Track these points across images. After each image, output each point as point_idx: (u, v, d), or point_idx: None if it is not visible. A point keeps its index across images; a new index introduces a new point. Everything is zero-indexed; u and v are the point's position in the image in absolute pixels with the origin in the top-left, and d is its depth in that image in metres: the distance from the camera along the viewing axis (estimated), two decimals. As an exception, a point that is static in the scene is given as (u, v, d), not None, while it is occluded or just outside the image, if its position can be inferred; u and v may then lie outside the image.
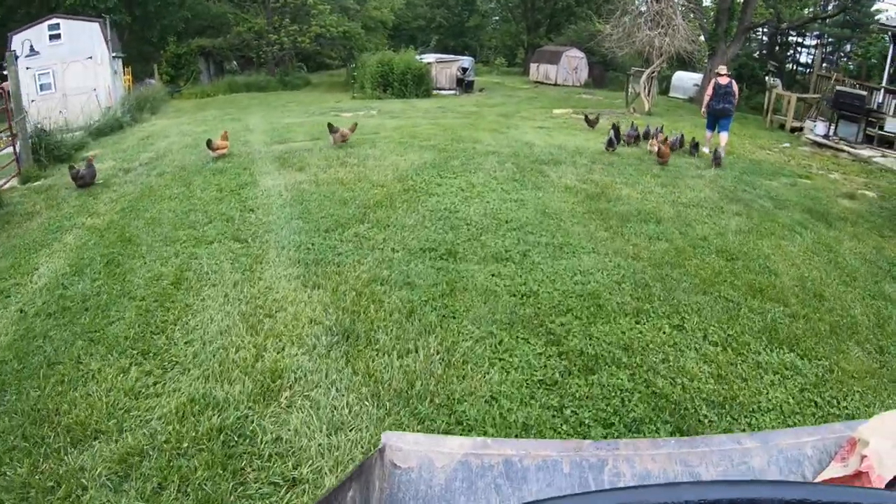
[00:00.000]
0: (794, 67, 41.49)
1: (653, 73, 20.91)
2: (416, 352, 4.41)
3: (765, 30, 34.80)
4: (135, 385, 4.15)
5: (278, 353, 4.45)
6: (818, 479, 1.15)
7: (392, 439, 1.09)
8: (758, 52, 37.21)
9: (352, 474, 1.09)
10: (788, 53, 41.95)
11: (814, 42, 43.19)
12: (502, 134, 13.34)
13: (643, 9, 21.44)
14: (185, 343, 4.68)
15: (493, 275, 5.75)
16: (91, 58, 19.82)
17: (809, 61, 43.94)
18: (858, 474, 1.09)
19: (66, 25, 19.90)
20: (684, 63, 25.22)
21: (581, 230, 7.18)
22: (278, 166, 9.87)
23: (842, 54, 40.08)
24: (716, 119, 12.13)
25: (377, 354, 4.37)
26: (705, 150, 12.31)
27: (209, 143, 10.94)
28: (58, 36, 19.85)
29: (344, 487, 1.07)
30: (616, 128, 12.42)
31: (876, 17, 32.61)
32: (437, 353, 4.41)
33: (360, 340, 4.56)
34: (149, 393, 4.09)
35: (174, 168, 10.49)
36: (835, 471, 1.14)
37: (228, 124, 16.23)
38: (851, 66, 26.43)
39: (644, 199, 8.83)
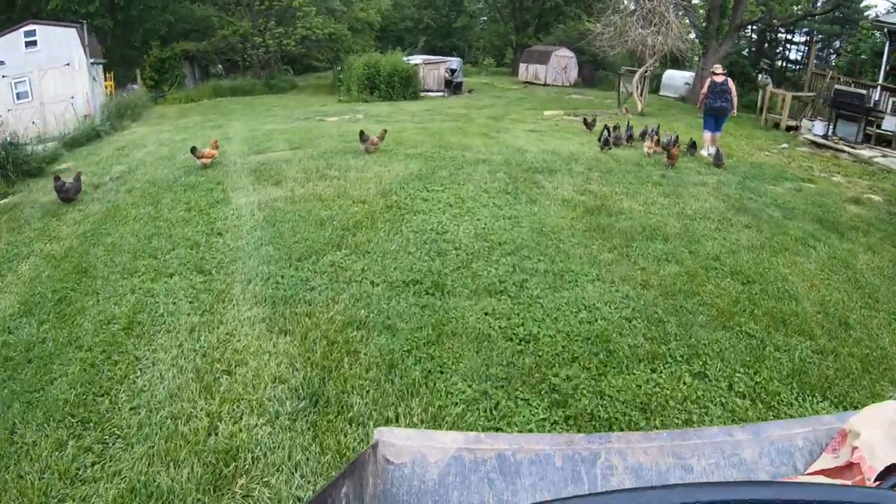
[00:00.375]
0: (784, 65, 40.84)
1: (645, 72, 20.22)
2: (397, 420, 3.65)
3: (754, 27, 34.11)
4: (71, 465, 3.40)
5: (235, 423, 3.68)
6: (809, 471, 1.12)
7: (385, 435, 1.04)
8: (747, 50, 36.53)
9: (345, 471, 1.06)
10: (777, 51, 41.35)
11: (803, 39, 42.75)
12: (492, 139, 12.59)
13: (633, 7, 20.74)
14: (131, 409, 3.90)
15: (486, 313, 4.98)
16: (69, 64, 18.90)
17: (799, 58, 43.50)
18: (850, 465, 1.06)
19: (43, 31, 18.96)
20: (675, 62, 24.55)
21: (583, 252, 6.43)
22: (254, 180, 9.08)
23: (831, 51, 39.53)
24: (716, 118, 11.90)
25: (350, 426, 3.60)
26: (703, 152, 11.92)
27: (193, 151, 10.27)
28: (34, 42, 18.90)
29: (337, 484, 1.04)
30: (609, 128, 12.24)
31: (865, 13, 32.08)
32: (422, 421, 3.65)
33: (331, 407, 3.78)
34: (86, 476, 3.33)
35: (144, 183, 9.68)
36: (826, 462, 1.12)
37: (209, 132, 15.42)
38: (843, 63, 25.72)
39: (647, 211, 8.11)
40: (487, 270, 5.79)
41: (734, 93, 11.79)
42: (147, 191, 9.20)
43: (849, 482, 1.05)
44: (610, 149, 11.73)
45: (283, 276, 5.62)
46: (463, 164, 9.86)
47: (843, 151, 14.41)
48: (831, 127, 16.04)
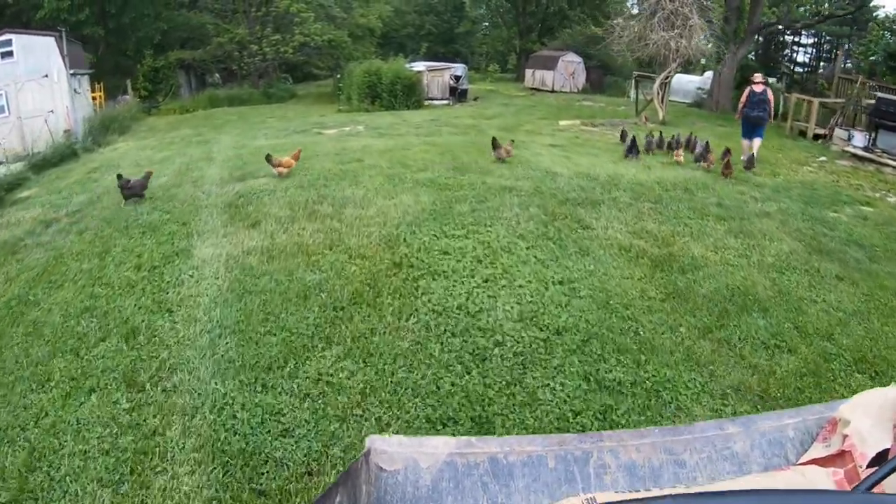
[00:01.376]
0: (792, 68, 38.61)
1: (666, 78, 18.17)
2: None
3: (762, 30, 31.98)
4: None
5: None
6: (801, 461, 1.08)
7: (377, 443, 0.99)
8: (753, 53, 34.42)
9: (338, 481, 1.05)
10: (785, 53, 39.19)
11: (810, 41, 40.59)
12: (512, 157, 10.53)
13: (648, 8, 18.65)
14: None
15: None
16: (47, 76, 16.84)
17: (806, 61, 41.28)
18: (842, 453, 1.04)
19: (20, 41, 16.89)
20: (685, 65, 22.46)
21: (670, 341, 4.39)
22: (227, 219, 7.02)
23: (839, 53, 37.49)
24: (752, 127, 11.22)
25: None
26: (743, 158, 10.90)
27: (269, 159, 8.91)
28: (10, 53, 16.84)
29: (331, 493, 1.05)
30: (626, 133, 12.08)
31: (874, 14, 30.02)
32: None
33: None
34: None
35: (100, 222, 7.67)
36: (817, 451, 1.09)
37: (195, 148, 13.38)
38: (865, 67, 23.68)
39: (724, 261, 6.11)
40: (550, 388, 3.71)
41: (772, 102, 11.38)
42: (100, 233, 7.18)
43: (841, 470, 1.01)
44: (637, 157, 10.95)
45: (243, 405, 3.56)
46: (485, 193, 7.80)
47: (888, 165, 12.47)
48: (871, 138, 14.00)
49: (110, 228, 7.30)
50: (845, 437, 1.07)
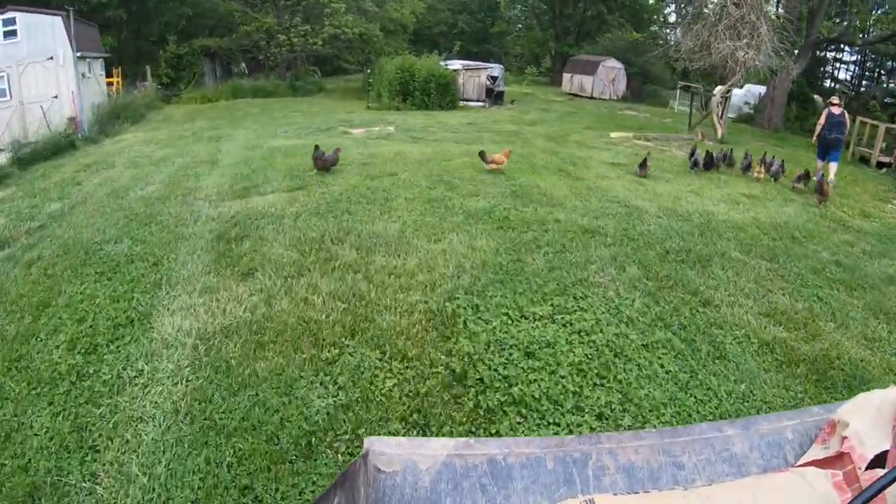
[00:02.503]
0: (834, 85, 35.65)
1: (727, 92, 15.85)
2: None
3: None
4: None
5: None
6: (800, 462, 1.04)
7: (375, 444, 0.94)
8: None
9: (336, 482, 1.01)
10: (825, 69, 36.29)
11: (853, 58, 37.63)
12: (578, 180, 8.36)
13: (714, 14, 16.29)
14: None
15: None
16: (52, 58, 14.87)
17: (848, 78, 38.27)
18: (840, 455, 1.00)
19: (24, 20, 14.92)
20: (722, 78, 20.04)
21: None
22: (212, 261, 4.94)
23: (883, 72, 34.79)
24: (827, 149, 10.64)
25: None
26: (815, 178, 9.83)
27: (482, 156, 8.45)
28: (13, 33, 14.89)
29: (329, 495, 1.02)
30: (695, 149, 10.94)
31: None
32: None
33: None
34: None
35: (58, 248, 5.70)
36: (816, 452, 1.05)
37: (202, 145, 11.36)
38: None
39: (886, 364, 4.04)
40: None
41: (848, 125, 11.09)
42: (50, 268, 5.20)
43: (840, 471, 0.97)
44: (703, 170, 10.16)
45: None
46: (561, 238, 5.64)
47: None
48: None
49: (65, 261, 5.29)
50: (844, 438, 1.02)
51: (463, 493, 0.92)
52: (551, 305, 4.19)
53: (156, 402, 3.17)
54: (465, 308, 4.01)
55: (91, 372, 3.52)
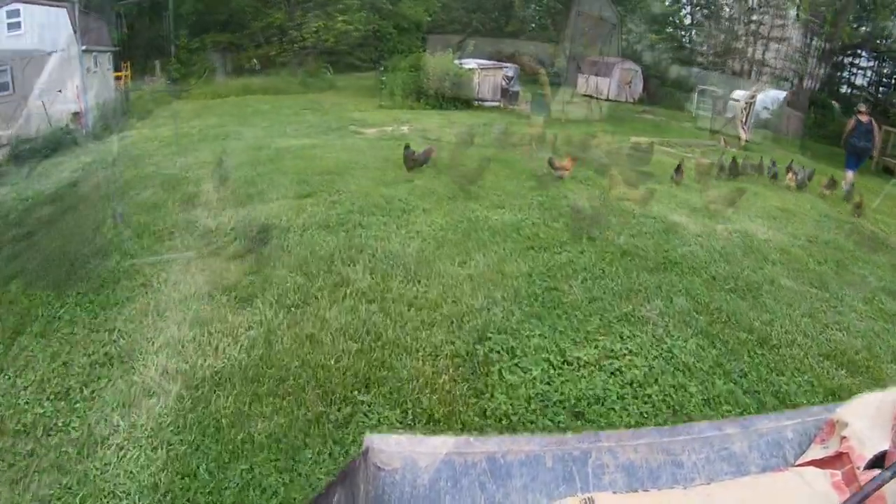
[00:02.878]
0: (850, 91, 34.68)
1: (752, 97, 15.18)
2: None
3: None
4: None
5: None
6: (799, 462, 1.01)
7: (375, 441, 0.91)
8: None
9: (336, 479, 0.97)
10: (840, 75, 35.28)
11: (869, 63, 36.60)
12: (605, 190, 7.73)
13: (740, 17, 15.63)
14: None
15: None
16: (57, 51, 14.34)
17: (865, 83, 37.25)
18: (839, 455, 0.97)
19: (28, 11, 14.38)
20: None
21: None
22: (206, 283, 4.34)
23: (896, 80, 33.77)
24: (857, 157, 10.74)
25: None
26: (844, 187, 10.10)
27: (551, 163, 8.31)
28: (17, 24, 14.36)
29: (329, 492, 0.98)
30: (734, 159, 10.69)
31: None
32: None
33: None
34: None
35: (42, 261, 5.11)
36: (815, 452, 1.02)
37: (207, 144, 10.79)
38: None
39: None
40: None
41: (877, 134, 11.15)
42: (30, 287, 4.62)
43: (839, 471, 0.93)
44: (730, 178, 9.97)
45: None
46: (599, 262, 5.02)
47: None
48: None
49: (48, 277, 4.71)
50: (843, 438, 0.99)
51: (462, 491, 0.89)
52: (596, 348, 3.58)
53: (131, 473, 2.59)
54: (498, 352, 3.41)
55: (60, 425, 2.95)
